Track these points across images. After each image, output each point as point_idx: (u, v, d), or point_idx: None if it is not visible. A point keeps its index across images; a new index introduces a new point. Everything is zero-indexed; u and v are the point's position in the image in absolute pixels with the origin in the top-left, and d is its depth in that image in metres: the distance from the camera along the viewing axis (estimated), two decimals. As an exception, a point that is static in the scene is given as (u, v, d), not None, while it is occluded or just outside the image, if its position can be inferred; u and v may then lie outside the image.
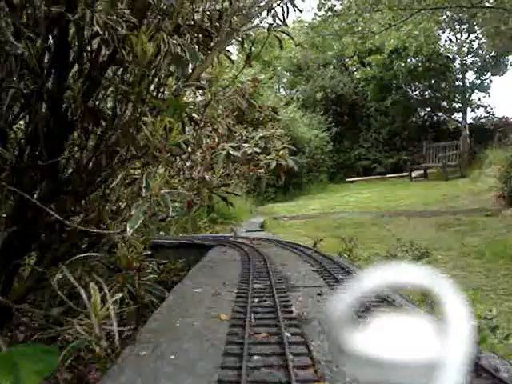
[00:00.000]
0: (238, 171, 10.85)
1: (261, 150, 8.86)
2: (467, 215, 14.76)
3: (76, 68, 4.08)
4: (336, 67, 34.44)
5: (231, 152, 8.75)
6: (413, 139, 32.15)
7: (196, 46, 4.57)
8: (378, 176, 30.67)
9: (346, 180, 30.59)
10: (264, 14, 5.15)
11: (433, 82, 32.11)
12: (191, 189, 7.06)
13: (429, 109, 34.02)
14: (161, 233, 14.45)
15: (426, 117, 34.52)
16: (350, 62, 34.45)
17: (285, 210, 21.05)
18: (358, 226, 14.75)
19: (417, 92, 33.93)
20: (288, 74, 38.07)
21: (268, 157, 8.85)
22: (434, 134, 32.37)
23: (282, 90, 38.43)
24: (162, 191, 3.34)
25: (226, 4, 4.72)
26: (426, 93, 33.39)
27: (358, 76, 32.80)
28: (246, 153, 8.75)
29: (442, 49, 30.59)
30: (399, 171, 30.12)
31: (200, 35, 4.68)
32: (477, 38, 30.33)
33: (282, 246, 9.63)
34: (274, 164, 8.66)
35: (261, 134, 9.35)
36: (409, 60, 31.28)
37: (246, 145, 8.89)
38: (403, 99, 32.47)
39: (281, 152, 8.79)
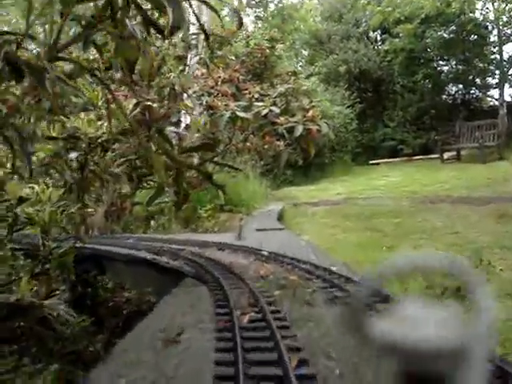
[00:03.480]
0: (249, 143, 8.35)
1: (280, 111, 6.30)
2: (530, 203, 12.12)
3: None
4: (359, 40, 31.92)
5: (238, 113, 6.18)
6: (443, 118, 29.56)
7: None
8: (405, 158, 28.18)
9: (370, 162, 28.15)
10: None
11: (467, 54, 29.30)
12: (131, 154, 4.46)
13: (461, 85, 31.29)
14: (152, 223, 11.96)
15: (457, 94, 31.81)
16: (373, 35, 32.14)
17: (305, 194, 18.63)
18: (395, 215, 12.20)
19: (448, 66, 31.25)
20: (307, 48, 35.59)
21: (291, 119, 6.28)
22: (466, 113, 29.72)
23: (299, 67, 35.94)
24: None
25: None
26: (459, 67, 30.58)
27: (385, 48, 30.19)
28: (259, 114, 6.18)
29: (481, 17, 27.86)
30: (428, 152, 27.68)
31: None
32: (517, 6, 27.62)
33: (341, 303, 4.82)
34: (300, 129, 5.99)
35: (281, 89, 6.81)
36: (440, 32, 28.63)
37: (260, 104, 6.34)
38: (433, 74, 29.92)
39: (310, 112, 6.22)
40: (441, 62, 31.12)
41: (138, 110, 4.11)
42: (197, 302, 4.23)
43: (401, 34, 29.08)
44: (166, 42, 6.65)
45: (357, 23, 32.57)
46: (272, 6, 41.83)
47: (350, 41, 31.57)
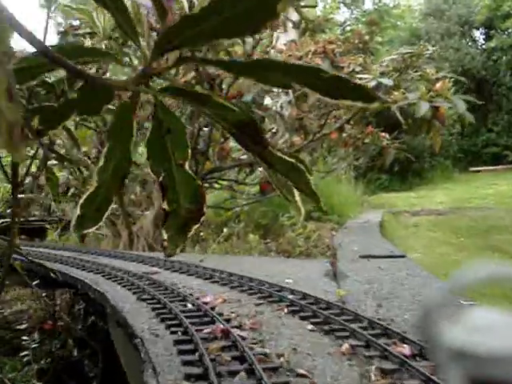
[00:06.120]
0: (345, 134, 6.68)
1: (394, 84, 4.61)
2: None
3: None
4: (462, 38, 29.82)
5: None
6: (555, 122, 27.25)
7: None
8: (511, 165, 25.92)
9: (470, 169, 26.04)
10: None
11: None
12: None
13: None
14: (224, 230, 10.18)
15: None
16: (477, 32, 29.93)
17: (404, 201, 16.80)
18: (517, 231, 10.15)
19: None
20: (406, 46, 33.73)
21: (410, 95, 4.54)
22: None
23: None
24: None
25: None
26: None
27: (491, 45, 27.91)
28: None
29: None
30: (536, 160, 25.44)
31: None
32: None
33: None
34: (424, 107, 4.24)
35: (393, 56, 5.14)
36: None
37: (365, 76, 4.69)
38: (546, 73, 27.55)
39: (437, 85, 4.51)
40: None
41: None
42: None
43: (509, 30, 26.85)
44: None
45: (459, 20, 30.39)
46: (369, 5, 40.22)
47: (451, 39, 29.51)
